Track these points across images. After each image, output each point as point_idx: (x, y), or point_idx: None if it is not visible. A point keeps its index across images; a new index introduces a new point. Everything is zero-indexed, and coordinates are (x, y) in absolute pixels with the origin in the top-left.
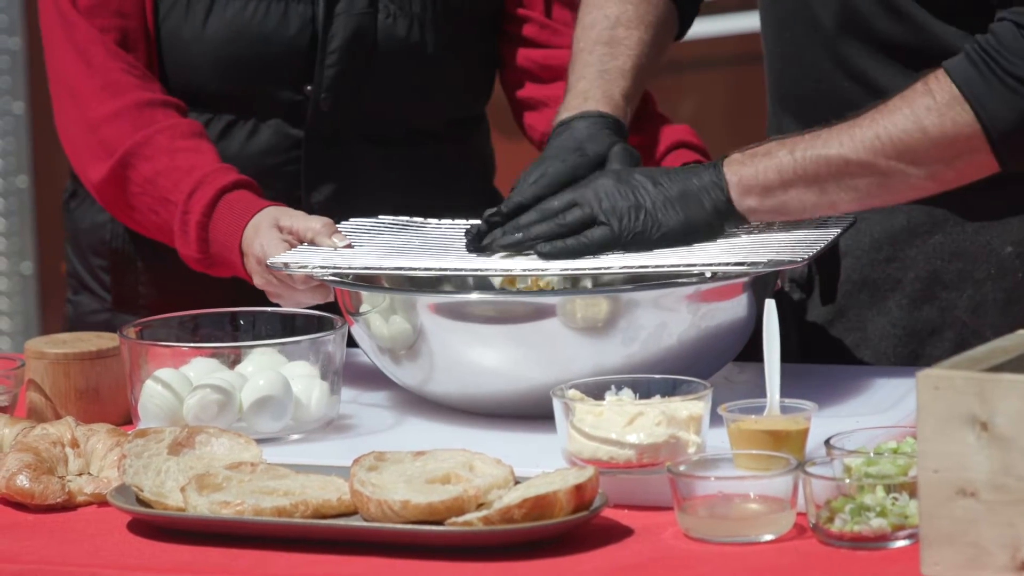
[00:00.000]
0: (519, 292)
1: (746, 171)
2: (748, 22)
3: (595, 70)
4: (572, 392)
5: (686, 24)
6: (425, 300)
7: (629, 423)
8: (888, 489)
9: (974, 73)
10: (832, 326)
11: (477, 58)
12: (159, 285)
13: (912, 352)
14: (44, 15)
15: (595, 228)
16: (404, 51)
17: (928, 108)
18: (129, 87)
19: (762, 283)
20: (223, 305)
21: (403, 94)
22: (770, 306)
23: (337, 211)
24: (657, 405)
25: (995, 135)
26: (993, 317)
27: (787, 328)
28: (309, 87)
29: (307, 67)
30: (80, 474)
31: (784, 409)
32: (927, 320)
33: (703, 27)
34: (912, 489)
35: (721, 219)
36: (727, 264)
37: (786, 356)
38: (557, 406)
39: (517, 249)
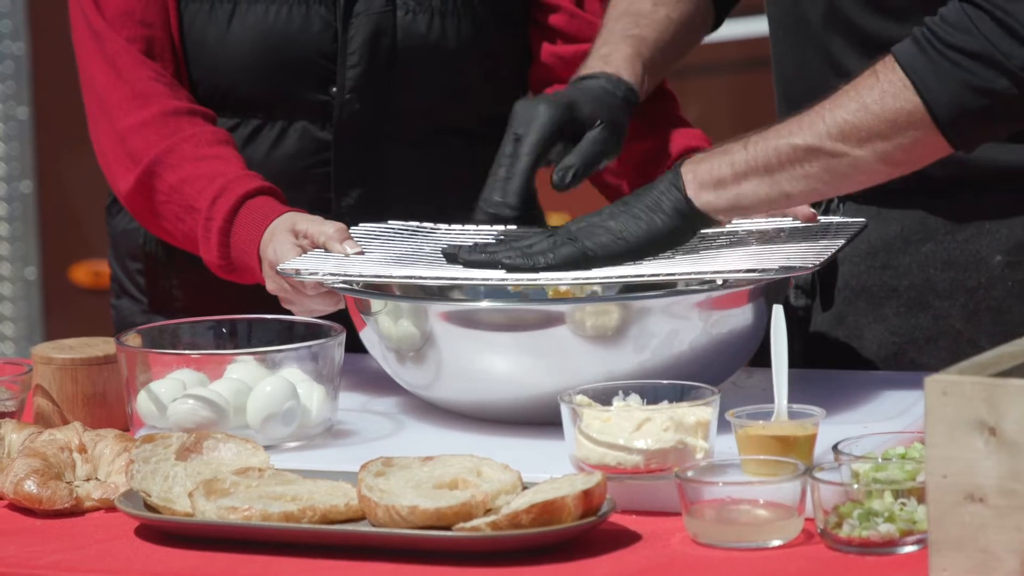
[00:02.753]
0: (529, 300)
1: (701, 168)
2: (752, 27)
3: (618, 36)
4: (580, 398)
5: (721, 15)
6: (435, 308)
7: (637, 429)
8: (896, 494)
9: (916, 51)
10: (833, 332)
11: (506, 51)
12: (193, 288)
13: (910, 360)
14: (75, 28)
15: (562, 247)
16: (426, 47)
17: (871, 87)
18: (157, 96)
19: (773, 290)
20: (255, 308)
21: (430, 91)
22: (778, 312)
23: (369, 213)
24: (665, 411)
25: (938, 112)
26: (987, 326)
27: (791, 335)
28: (334, 88)
29: (331, 69)
30: (88, 479)
31: (792, 415)
32: (923, 328)
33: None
34: (920, 494)
35: (684, 219)
36: (739, 271)
37: (791, 363)
38: (565, 411)
39: (479, 267)
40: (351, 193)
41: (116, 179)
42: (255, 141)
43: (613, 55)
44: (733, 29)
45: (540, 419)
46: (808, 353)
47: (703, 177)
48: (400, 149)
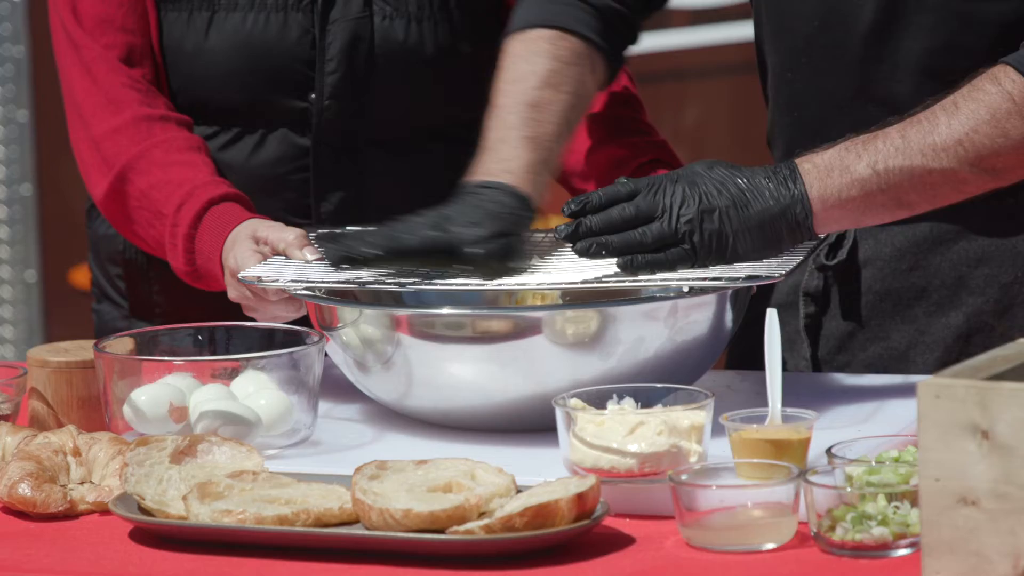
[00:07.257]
0: (494, 306)
1: (828, 192)
2: (751, 31)
3: (518, 135)
4: (574, 401)
5: (613, 71)
6: (394, 313)
7: (630, 432)
8: (889, 498)
9: None
10: (852, 338)
11: (481, 55)
12: (172, 293)
13: (939, 360)
14: (55, 36)
15: (674, 249)
16: (404, 52)
17: (1009, 113)
18: (131, 102)
19: (737, 297)
20: (235, 314)
21: (408, 96)
22: (771, 315)
23: (348, 219)
24: (659, 414)
25: None
26: (1022, 320)
27: (800, 343)
28: (313, 95)
29: (309, 75)
30: (82, 483)
31: (786, 418)
32: (955, 326)
33: (707, 35)
34: (913, 498)
35: (794, 240)
36: (706, 279)
37: (798, 370)
38: (559, 415)
39: (590, 257)
40: (330, 198)
41: (92, 185)
42: (235, 148)
43: (514, 163)
44: (732, 32)
45: (505, 426)
46: (826, 358)
47: (831, 203)
48: (378, 154)
